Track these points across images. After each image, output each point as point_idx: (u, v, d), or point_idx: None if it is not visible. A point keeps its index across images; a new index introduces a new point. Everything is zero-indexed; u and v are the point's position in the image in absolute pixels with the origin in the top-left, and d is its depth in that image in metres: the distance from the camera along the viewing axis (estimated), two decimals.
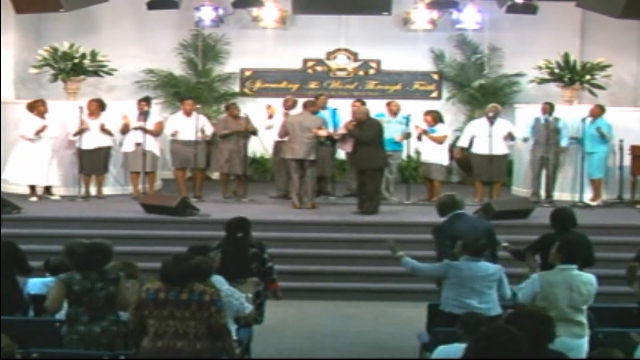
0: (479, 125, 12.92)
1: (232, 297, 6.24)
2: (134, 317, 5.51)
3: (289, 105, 13.02)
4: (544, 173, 12.79)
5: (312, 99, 12.85)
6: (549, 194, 12.72)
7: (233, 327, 6.40)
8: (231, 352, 5.63)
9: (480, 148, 12.74)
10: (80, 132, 12.41)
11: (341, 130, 11.51)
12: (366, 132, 11.38)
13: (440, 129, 12.77)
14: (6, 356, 4.68)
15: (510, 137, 12.69)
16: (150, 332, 5.40)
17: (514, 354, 4.07)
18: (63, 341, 5.95)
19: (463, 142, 13.08)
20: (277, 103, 13.37)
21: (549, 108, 12.68)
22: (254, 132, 12.74)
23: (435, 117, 12.82)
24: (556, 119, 12.68)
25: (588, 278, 6.17)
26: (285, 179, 12.83)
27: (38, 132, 12.19)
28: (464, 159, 13.62)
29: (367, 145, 11.32)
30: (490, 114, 12.73)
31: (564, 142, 12.65)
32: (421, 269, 7.31)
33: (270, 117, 12.94)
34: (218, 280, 6.55)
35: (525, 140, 12.90)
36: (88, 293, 5.86)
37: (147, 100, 12.91)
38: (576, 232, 7.59)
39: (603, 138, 12.53)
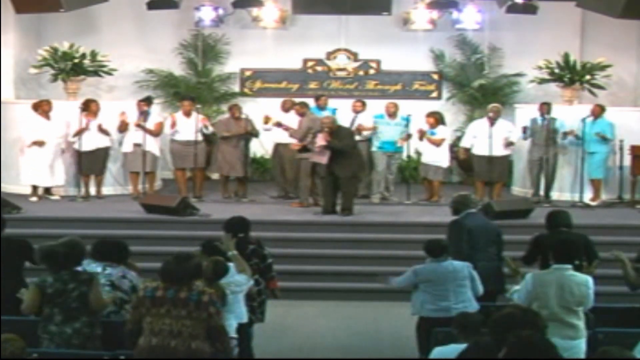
0: (480, 125, 12.91)
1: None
2: (132, 317, 5.50)
3: (287, 107, 13.01)
4: (542, 173, 12.79)
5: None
6: (547, 195, 12.72)
7: (234, 324, 6.40)
8: (229, 353, 5.61)
9: (480, 149, 12.74)
10: (80, 132, 12.40)
11: (321, 142, 11.35)
12: (344, 141, 11.34)
13: (440, 132, 12.74)
14: (17, 357, 4.67)
15: (509, 143, 12.71)
16: (146, 330, 5.39)
17: None
18: (38, 341, 5.93)
19: (465, 143, 13.06)
20: (277, 104, 13.38)
21: (546, 108, 12.69)
22: (256, 134, 12.75)
23: (437, 119, 12.79)
24: (553, 119, 12.68)
25: (583, 279, 6.14)
26: (284, 179, 12.87)
27: (34, 144, 12.19)
28: (467, 160, 13.61)
29: (344, 152, 11.28)
30: (491, 115, 12.74)
31: (559, 138, 12.65)
32: (396, 284, 7.34)
33: (266, 123, 12.89)
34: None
35: (525, 138, 12.88)
36: (61, 294, 5.85)
37: (147, 100, 12.91)
38: (572, 232, 7.60)
39: (605, 140, 12.54)
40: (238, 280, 6.52)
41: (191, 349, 5.33)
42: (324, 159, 11.37)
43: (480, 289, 7.07)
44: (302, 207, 11.98)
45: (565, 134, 12.61)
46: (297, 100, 13.11)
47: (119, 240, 6.83)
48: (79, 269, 6.09)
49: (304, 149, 11.76)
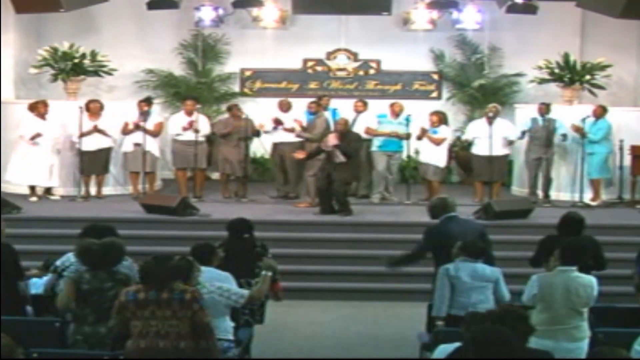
0: (480, 126, 12.91)
1: (214, 294, 6.10)
2: (116, 321, 5.52)
3: (285, 108, 13.01)
4: (540, 173, 12.79)
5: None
6: (546, 194, 12.73)
7: (230, 325, 6.40)
8: (215, 352, 5.62)
9: (480, 149, 12.75)
10: (87, 134, 12.37)
11: (333, 141, 11.32)
12: (352, 144, 11.36)
13: (441, 131, 12.75)
14: (6, 356, 4.67)
15: (509, 142, 12.71)
16: (134, 333, 5.40)
17: (506, 354, 4.08)
18: (68, 341, 5.95)
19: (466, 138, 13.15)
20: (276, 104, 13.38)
21: (545, 108, 12.69)
22: (257, 134, 12.76)
23: (441, 118, 12.80)
24: (553, 120, 12.69)
25: (588, 280, 6.15)
26: (284, 179, 12.87)
27: (33, 138, 12.19)
28: (464, 158, 13.60)
29: (347, 156, 11.26)
30: (490, 114, 12.73)
31: (562, 131, 12.63)
32: (438, 296, 6.93)
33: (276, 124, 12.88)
34: (225, 276, 6.55)
35: (523, 134, 12.85)
36: (97, 293, 5.88)
37: (148, 100, 12.92)
38: (584, 236, 7.53)
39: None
40: (238, 292, 6.36)
41: (180, 348, 5.35)
42: (340, 157, 11.24)
43: (507, 295, 6.95)
44: (308, 207, 11.92)
45: (564, 136, 12.61)
46: (310, 98, 13.14)
47: (107, 224, 7.01)
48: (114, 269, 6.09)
49: (309, 157, 11.74)
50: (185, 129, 12.59)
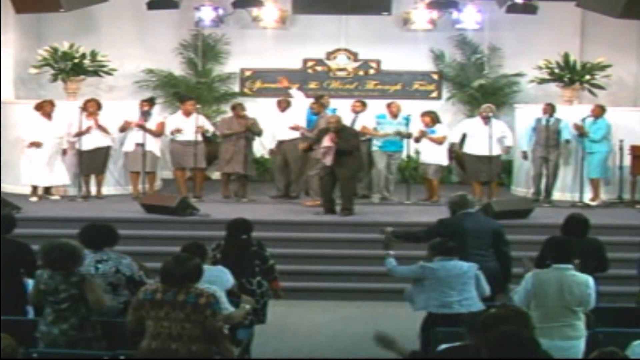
0: (473, 124, 12.89)
1: None
2: (131, 318, 5.48)
3: (283, 107, 13.01)
4: (544, 172, 12.78)
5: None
6: (548, 194, 12.72)
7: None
8: (228, 356, 5.59)
9: (475, 148, 12.72)
10: (82, 133, 12.40)
11: (327, 143, 11.28)
12: (350, 142, 11.33)
13: (439, 130, 12.75)
14: (8, 356, 4.68)
15: (507, 148, 12.72)
16: (148, 333, 5.37)
17: (527, 357, 4.08)
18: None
19: (454, 138, 13.11)
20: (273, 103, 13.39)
21: (550, 109, 12.69)
22: (258, 133, 12.75)
23: (434, 118, 12.79)
24: (558, 120, 12.68)
25: (583, 279, 6.14)
26: (285, 177, 12.87)
27: (31, 146, 12.19)
28: (463, 158, 13.58)
29: (348, 153, 11.27)
30: (490, 114, 12.70)
31: (566, 136, 12.64)
32: (397, 272, 7.42)
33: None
34: (220, 270, 6.62)
35: (525, 156, 12.91)
36: (52, 293, 5.85)
37: (150, 100, 12.92)
38: (587, 238, 7.51)
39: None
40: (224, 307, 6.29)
41: (192, 351, 5.30)
42: (328, 160, 11.31)
43: (487, 289, 7.04)
44: (316, 206, 11.88)
45: (568, 141, 12.61)
46: (310, 99, 13.15)
47: (107, 224, 6.94)
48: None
49: (310, 149, 11.70)
50: (172, 133, 12.65)
